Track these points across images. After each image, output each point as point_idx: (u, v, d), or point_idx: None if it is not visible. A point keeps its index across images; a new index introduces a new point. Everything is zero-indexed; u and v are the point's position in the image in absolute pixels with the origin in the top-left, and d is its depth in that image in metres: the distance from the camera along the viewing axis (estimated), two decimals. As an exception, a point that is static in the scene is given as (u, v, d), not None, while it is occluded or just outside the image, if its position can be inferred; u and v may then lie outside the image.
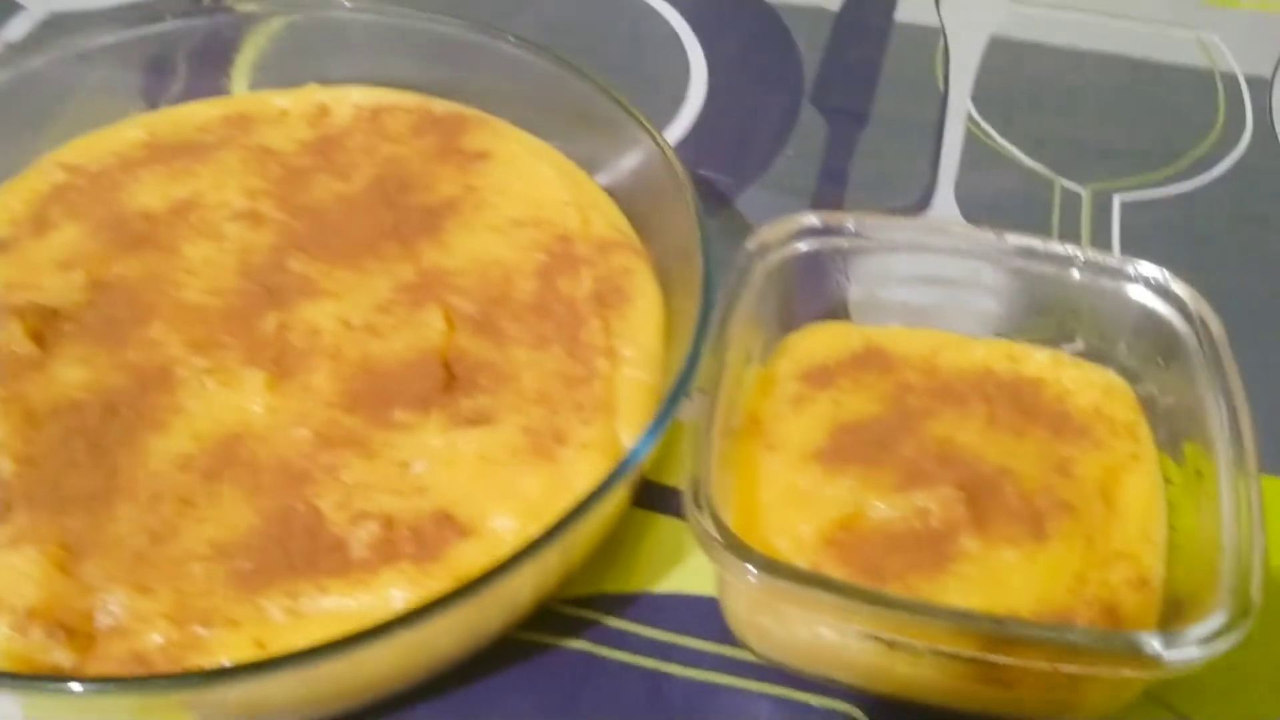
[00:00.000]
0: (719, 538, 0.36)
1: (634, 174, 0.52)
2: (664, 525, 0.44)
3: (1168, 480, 0.42)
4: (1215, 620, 0.34)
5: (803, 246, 0.45)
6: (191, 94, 0.57)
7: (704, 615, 0.41)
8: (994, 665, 0.36)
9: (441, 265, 0.48)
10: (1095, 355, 0.45)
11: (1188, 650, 0.34)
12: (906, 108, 0.63)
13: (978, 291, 0.46)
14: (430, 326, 0.45)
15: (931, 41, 0.67)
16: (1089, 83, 0.65)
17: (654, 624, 0.42)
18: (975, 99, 0.63)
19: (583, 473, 0.41)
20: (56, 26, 0.66)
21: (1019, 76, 0.65)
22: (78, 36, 0.55)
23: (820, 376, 0.44)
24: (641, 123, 0.51)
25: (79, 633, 0.37)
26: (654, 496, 0.45)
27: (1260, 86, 0.65)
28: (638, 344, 0.45)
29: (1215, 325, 0.42)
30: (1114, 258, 0.44)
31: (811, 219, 0.45)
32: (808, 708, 0.40)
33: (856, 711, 0.39)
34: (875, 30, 0.68)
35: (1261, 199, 0.59)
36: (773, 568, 0.35)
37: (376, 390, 0.43)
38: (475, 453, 0.41)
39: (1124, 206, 0.58)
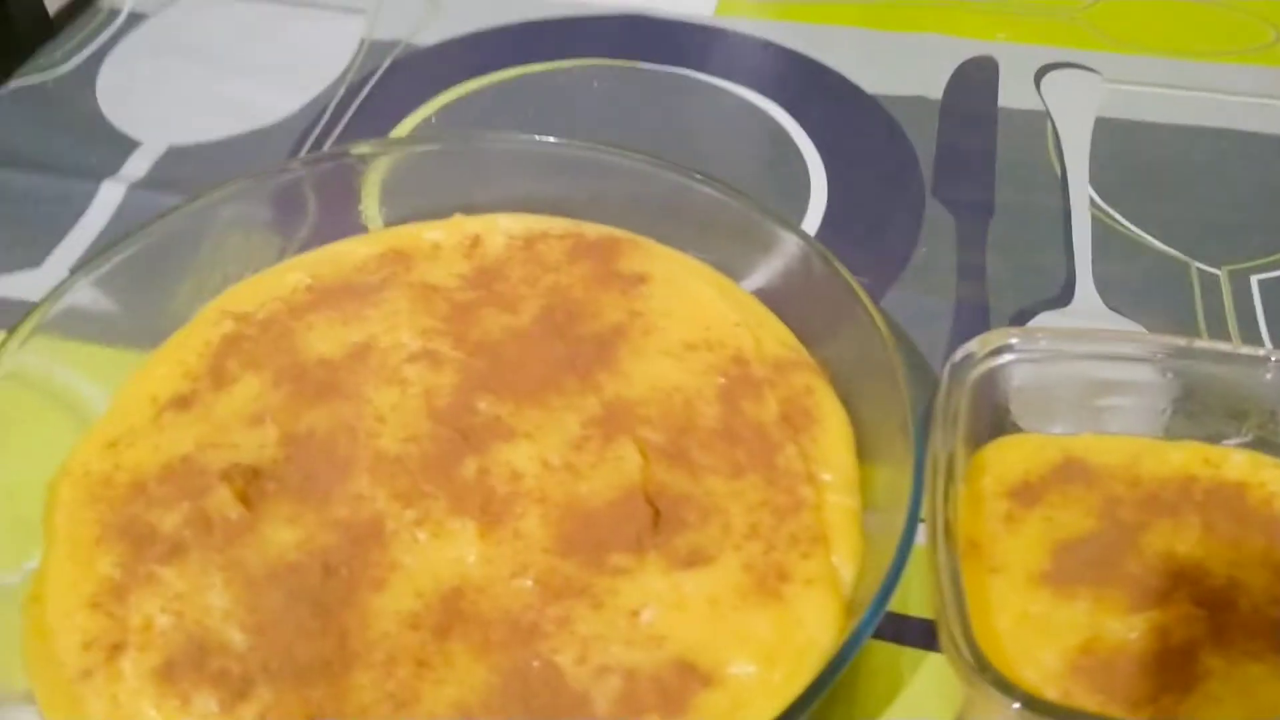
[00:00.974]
0: (983, 673, 0.36)
1: (786, 285, 0.53)
2: (876, 650, 0.44)
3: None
4: None
5: (999, 361, 0.45)
6: (326, 227, 0.57)
7: (937, 744, 0.41)
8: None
9: (623, 395, 0.48)
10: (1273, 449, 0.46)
11: None
12: (1029, 195, 0.63)
13: (1156, 394, 0.47)
14: (628, 461, 0.45)
15: (1039, 125, 0.68)
16: (1198, 159, 0.66)
17: (888, 756, 0.41)
18: (1094, 182, 0.64)
19: (811, 610, 0.41)
20: (176, 160, 0.66)
21: (1131, 156, 0.66)
22: (212, 186, 0.55)
23: (1027, 493, 0.44)
24: (796, 231, 0.52)
25: (341, 811, 0.37)
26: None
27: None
28: (834, 467, 0.46)
29: None
30: (1303, 358, 0.45)
31: (1011, 335, 0.45)
32: (1061, 835, 0.39)
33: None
34: (982, 117, 0.68)
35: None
36: (1041, 707, 0.35)
37: (588, 533, 0.43)
38: (702, 595, 0.41)
39: (1262, 285, 0.58)
